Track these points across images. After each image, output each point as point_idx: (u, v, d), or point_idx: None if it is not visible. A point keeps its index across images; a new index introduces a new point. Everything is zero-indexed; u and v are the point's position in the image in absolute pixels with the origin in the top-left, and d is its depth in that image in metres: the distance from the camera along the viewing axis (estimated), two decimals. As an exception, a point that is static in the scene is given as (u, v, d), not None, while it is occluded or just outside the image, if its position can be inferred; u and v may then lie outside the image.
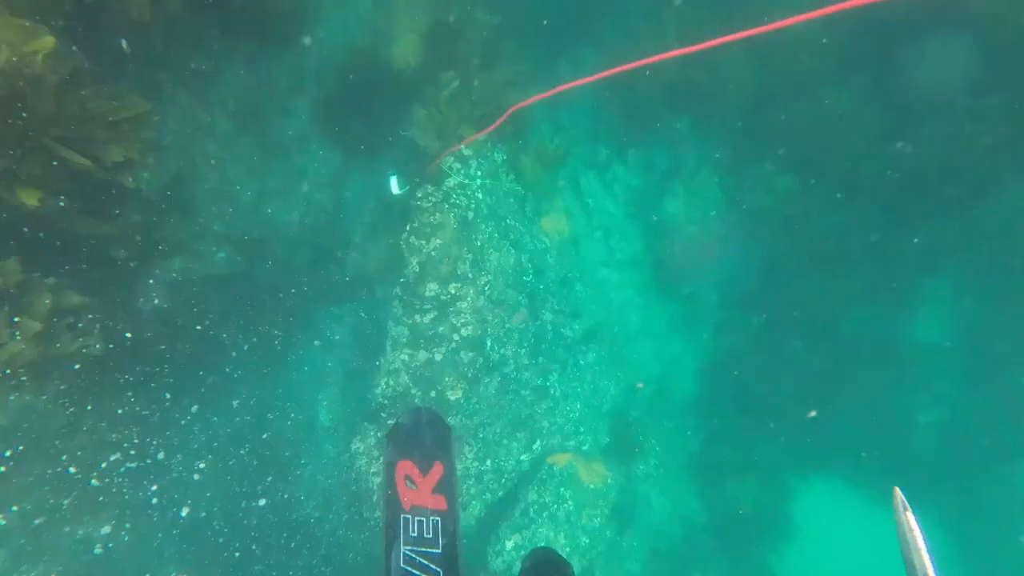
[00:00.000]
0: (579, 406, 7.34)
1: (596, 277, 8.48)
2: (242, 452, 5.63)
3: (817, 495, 8.75)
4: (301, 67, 6.61)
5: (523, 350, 5.96)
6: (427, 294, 5.01)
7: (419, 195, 5.17)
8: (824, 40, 6.55)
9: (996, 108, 6.36)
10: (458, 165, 5.45)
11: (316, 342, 6.76)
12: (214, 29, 5.27)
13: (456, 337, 5.07)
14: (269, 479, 6.11)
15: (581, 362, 7.57)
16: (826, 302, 8.34)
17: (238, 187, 6.42)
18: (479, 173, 5.63)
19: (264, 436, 5.57)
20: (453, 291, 5.03)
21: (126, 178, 3.48)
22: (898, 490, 1.79)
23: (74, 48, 3.36)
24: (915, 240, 8.28)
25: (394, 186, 5.14)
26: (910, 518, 1.71)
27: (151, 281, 4.52)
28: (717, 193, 8.30)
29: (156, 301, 4.55)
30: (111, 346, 3.87)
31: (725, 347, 8.86)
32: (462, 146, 5.30)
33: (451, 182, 5.35)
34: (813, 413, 8.38)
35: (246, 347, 5.67)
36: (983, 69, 6.25)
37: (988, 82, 6.33)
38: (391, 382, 5.01)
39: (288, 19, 5.68)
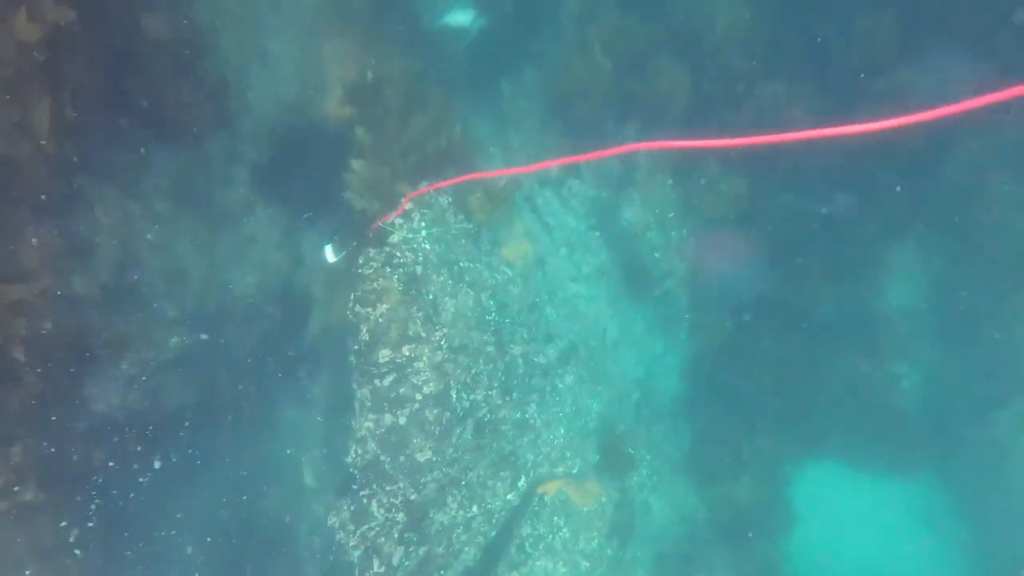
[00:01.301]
0: (563, 431, 7.32)
1: (566, 294, 8.46)
2: (233, 541, 5.56)
3: (813, 480, 8.81)
4: (236, 134, 6.51)
5: (493, 391, 5.93)
6: (381, 360, 4.97)
7: (360, 261, 5.10)
8: (751, 37, 6.54)
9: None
10: (400, 220, 5.39)
11: (289, 407, 6.69)
12: (130, 126, 5.17)
13: (418, 396, 5.03)
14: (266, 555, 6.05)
15: (560, 385, 7.55)
16: (793, 287, 8.38)
17: (187, 265, 6.33)
18: (423, 224, 5.57)
19: (252, 536, 5.52)
20: (408, 352, 4.99)
21: (17, 352, 3.39)
22: None
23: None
24: (873, 209, 8.32)
25: (329, 254, 5.05)
26: None
27: (90, 391, 4.43)
28: (672, 195, 8.30)
29: (105, 406, 4.46)
30: (52, 481, 3.78)
31: (702, 343, 8.89)
32: (405, 205, 5.23)
33: (394, 239, 5.29)
34: None
35: (215, 428, 5.59)
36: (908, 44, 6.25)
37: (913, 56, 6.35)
38: (359, 450, 4.96)
39: (211, 97, 5.57)
